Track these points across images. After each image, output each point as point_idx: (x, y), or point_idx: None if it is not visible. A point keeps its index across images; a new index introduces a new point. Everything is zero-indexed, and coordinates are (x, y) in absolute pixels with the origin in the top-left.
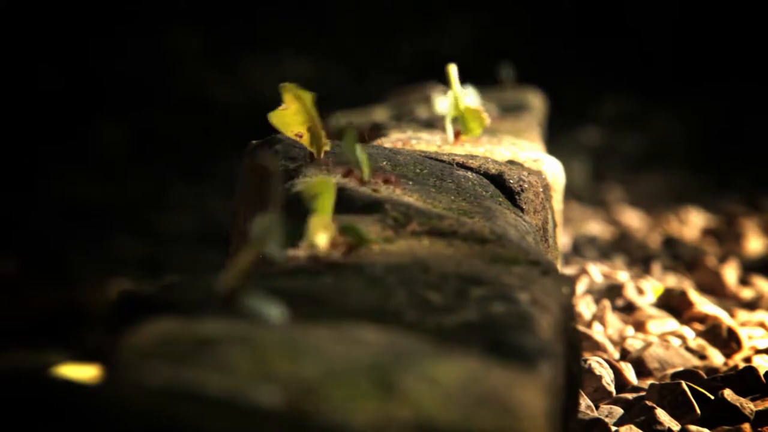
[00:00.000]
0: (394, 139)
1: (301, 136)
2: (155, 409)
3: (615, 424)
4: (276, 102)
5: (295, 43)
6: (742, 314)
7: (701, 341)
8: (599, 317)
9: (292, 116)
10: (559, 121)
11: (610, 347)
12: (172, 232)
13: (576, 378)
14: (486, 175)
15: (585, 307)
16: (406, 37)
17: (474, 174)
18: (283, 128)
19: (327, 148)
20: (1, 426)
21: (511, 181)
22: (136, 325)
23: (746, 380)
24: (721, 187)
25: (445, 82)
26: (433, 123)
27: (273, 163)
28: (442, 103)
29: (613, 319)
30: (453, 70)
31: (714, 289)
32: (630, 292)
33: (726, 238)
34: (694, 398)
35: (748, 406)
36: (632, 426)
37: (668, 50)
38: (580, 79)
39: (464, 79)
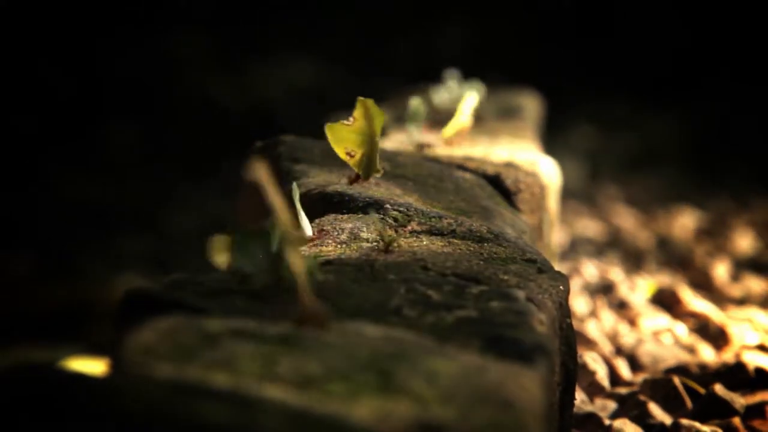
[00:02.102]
0: (395, 140)
1: (352, 156)
2: (161, 402)
3: (609, 418)
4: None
5: (296, 44)
6: (733, 311)
7: (692, 337)
8: (594, 314)
9: (350, 133)
10: (555, 121)
11: (604, 343)
12: (176, 231)
13: (571, 373)
14: (484, 176)
15: (580, 304)
16: (406, 38)
17: (472, 175)
18: (336, 143)
19: (378, 174)
20: (10, 418)
21: (508, 182)
22: (143, 322)
23: (736, 375)
24: (713, 187)
25: (444, 83)
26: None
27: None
28: (414, 107)
29: (607, 316)
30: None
31: (705, 286)
32: (623, 290)
33: (717, 236)
34: (686, 393)
35: (739, 400)
36: (626, 420)
37: (664, 52)
38: (576, 80)
39: (463, 80)
